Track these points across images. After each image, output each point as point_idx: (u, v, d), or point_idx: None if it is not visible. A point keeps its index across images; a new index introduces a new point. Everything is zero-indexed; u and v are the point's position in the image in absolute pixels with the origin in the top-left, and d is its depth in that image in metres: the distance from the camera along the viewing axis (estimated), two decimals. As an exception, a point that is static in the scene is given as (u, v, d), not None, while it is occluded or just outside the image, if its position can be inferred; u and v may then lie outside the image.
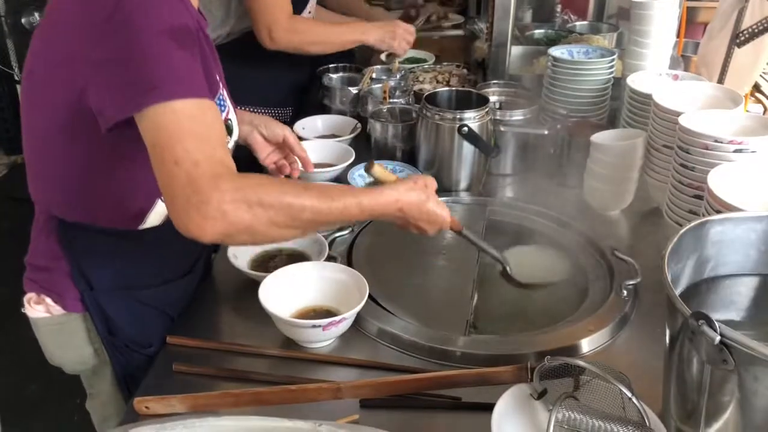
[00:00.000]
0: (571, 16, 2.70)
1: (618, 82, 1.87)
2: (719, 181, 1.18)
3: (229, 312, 1.32)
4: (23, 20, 4.04)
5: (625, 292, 1.28)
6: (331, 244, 1.40)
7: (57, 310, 1.25)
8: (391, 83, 2.08)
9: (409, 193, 1.15)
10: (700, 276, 1.01)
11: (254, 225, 0.95)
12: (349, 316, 1.17)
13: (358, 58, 2.48)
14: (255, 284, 1.21)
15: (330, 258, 1.36)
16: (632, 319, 1.26)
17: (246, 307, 1.27)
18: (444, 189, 1.62)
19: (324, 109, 2.12)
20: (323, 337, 1.18)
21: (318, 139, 1.93)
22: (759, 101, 2.64)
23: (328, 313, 1.22)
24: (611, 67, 1.86)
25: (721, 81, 2.12)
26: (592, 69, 1.84)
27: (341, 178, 1.71)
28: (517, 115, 1.78)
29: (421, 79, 2.28)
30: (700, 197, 1.27)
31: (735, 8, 2.08)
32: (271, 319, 1.16)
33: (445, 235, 1.53)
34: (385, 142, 1.83)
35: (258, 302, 1.16)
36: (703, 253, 1.00)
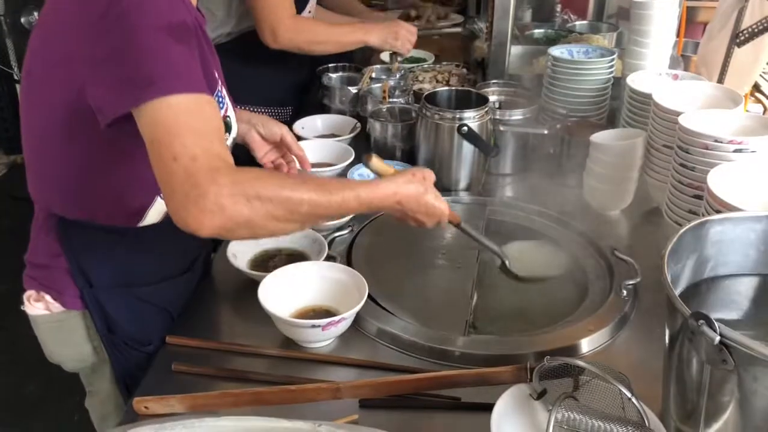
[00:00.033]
0: (571, 15, 2.70)
1: (618, 82, 1.87)
2: (719, 181, 1.18)
3: (229, 312, 1.32)
4: (22, 20, 4.04)
5: (624, 292, 1.28)
6: (330, 243, 1.40)
7: (56, 307, 1.25)
8: (391, 83, 2.08)
9: (407, 186, 1.15)
10: (700, 276, 1.01)
11: (253, 219, 0.95)
12: (348, 316, 1.17)
13: (357, 58, 2.48)
14: (254, 284, 1.21)
15: (329, 258, 1.36)
16: (632, 319, 1.26)
17: (245, 307, 1.27)
18: (443, 189, 1.61)
19: (323, 109, 2.12)
20: (322, 337, 1.18)
21: (317, 138, 1.93)
22: (759, 101, 2.64)
23: (327, 313, 1.22)
24: (611, 66, 1.86)
25: (720, 81, 2.13)
26: (591, 69, 1.84)
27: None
28: (517, 115, 1.78)
29: (420, 78, 2.28)
30: (699, 197, 1.27)
31: (735, 8, 2.08)
32: (270, 318, 1.16)
33: (445, 235, 1.54)
34: (385, 141, 1.83)
35: (257, 302, 1.16)
36: (702, 253, 1.00)
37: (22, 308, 1.28)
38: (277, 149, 1.55)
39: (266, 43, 1.94)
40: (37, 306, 1.26)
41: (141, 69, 0.95)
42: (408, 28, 2.21)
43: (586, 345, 1.18)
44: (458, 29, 3.06)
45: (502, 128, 1.75)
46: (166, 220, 1.22)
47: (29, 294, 1.27)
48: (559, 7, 2.76)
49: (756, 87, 2.62)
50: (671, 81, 1.68)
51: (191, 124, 0.95)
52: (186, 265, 1.34)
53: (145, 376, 1.14)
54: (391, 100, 1.99)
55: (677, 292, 0.87)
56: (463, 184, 1.69)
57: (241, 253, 1.36)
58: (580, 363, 0.94)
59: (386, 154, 1.80)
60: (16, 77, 4.17)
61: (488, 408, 0.94)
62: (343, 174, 1.71)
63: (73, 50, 1.02)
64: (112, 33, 0.97)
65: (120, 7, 0.96)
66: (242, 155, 1.43)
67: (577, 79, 1.83)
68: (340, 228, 1.48)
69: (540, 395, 0.92)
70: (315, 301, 1.24)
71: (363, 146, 1.86)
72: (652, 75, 1.70)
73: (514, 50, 2.17)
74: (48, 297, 1.24)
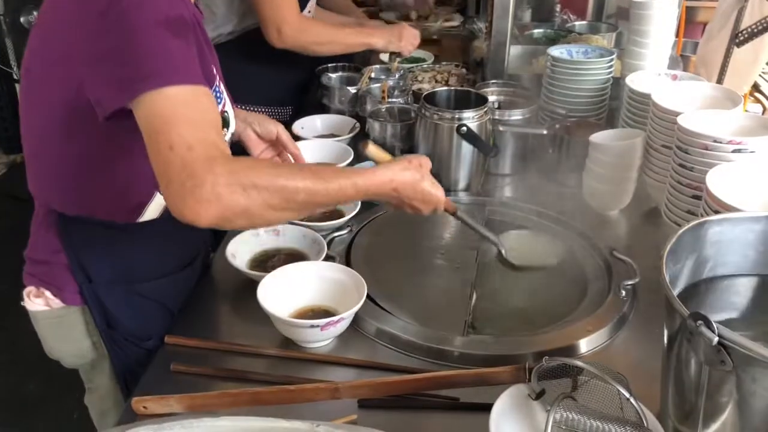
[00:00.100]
0: (570, 15, 2.70)
1: (617, 82, 1.87)
2: (718, 182, 1.18)
3: (228, 312, 1.32)
4: (22, 19, 4.04)
5: (623, 293, 1.28)
6: (329, 243, 1.40)
7: (56, 303, 1.25)
8: (390, 83, 2.08)
9: (403, 173, 1.15)
10: (699, 276, 1.01)
11: (250, 208, 0.95)
12: (347, 316, 1.17)
13: (357, 58, 2.48)
14: (253, 284, 1.21)
15: (328, 258, 1.36)
16: (630, 319, 1.26)
17: (244, 307, 1.27)
18: (443, 189, 1.62)
19: (323, 109, 2.12)
20: (321, 337, 1.18)
21: (317, 138, 1.93)
22: (758, 101, 2.64)
23: (326, 313, 1.22)
24: (610, 66, 1.86)
25: (720, 81, 2.13)
26: (591, 69, 1.84)
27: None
28: (516, 115, 1.78)
29: (419, 78, 2.28)
30: (698, 197, 1.27)
31: (734, 8, 2.09)
32: (269, 318, 1.16)
33: (444, 236, 1.54)
34: (384, 141, 1.83)
35: (256, 302, 1.16)
36: (701, 253, 1.00)
37: (21, 304, 1.28)
38: (272, 147, 1.56)
39: (271, 42, 1.94)
40: (37, 302, 1.26)
41: (139, 62, 0.96)
42: (411, 32, 2.22)
43: (585, 345, 1.18)
44: (454, 21, 3.06)
45: (501, 128, 1.75)
46: (166, 216, 1.23)
47: (29, 290, 1.27)
48: (558, 7, 2.75)
49: (755, 87, 2.62)
50: (670, 81, 1.68)
51: (188, 114, 0.95)
52: (185, 261, 1.35)
53: (144, 375, 1.14)
54: (390, 100, 1.99)
55: (676, 292, 0.87)
56: (462, 184, 1.69)
57: (240, 253, 1.36)
58: (579, 363, 0.94)
59: (385, 154, 1.81)
60: (15, 77, 4.17)
61: (487, 408, 0.94)
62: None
63: (72, 48, 1.03)
64: (112, 31, 0.98)
65: (120, 6, 0.97)
66: (238, 153, 1.43)
67: (576, 80, 1.83)
68: (339, 228, 1.48)
69: (538, 395, 0.92)
70: (314, 301, 1.24)
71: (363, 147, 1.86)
72: (652, 75, 1.70)
73: (514, 50, 2.17)
74: (48, 293, 1.25)
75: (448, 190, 1.67)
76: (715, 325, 0.75)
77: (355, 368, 1.15)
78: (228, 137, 1.29)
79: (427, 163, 1.21)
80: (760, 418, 0.79)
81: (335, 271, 1.27)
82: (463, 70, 2.35)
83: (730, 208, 1.10)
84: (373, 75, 2.19)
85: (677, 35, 2.31)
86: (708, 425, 0.83)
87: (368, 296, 1.21)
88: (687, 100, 1.49)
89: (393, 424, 0.93)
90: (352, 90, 2.11)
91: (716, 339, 0.75)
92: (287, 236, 1.42)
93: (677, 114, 1.36)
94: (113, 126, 1.03)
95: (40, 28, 1.12)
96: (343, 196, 1.07)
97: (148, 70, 0.95)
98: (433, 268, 1.43)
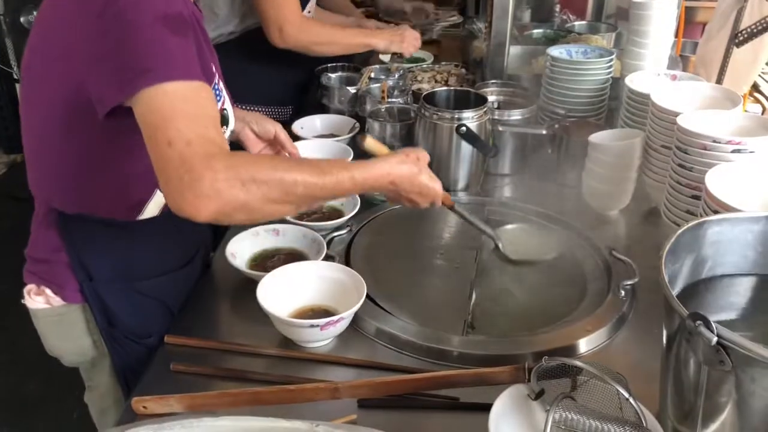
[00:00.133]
0: (570, 15, 2.70)
1: (616, 82, 1.88)
2: (717, 182, 1.18)
3: (228, 311, 1.32)
4: (22, 19, 4.04)
5: (622, 293, 1.28)
6: (329, 243, 1.40)
7: (57, 301, 1.26)
8: (390, 83, 2.08)
9: (400, 166, 1.16)
10: (698, 276, 1.01)
11: (249, 202, 0.95)
12: (347, 316, 1.17)
13: (356, 58, 2.49)
14: (253, 284, 1.21)
15: (328, 257, 1.36)
16: (630, 319, 1.26)
17: (244, 307, 1.27)
18: (442, 188, 1.62)
19: (322, 109, 2.12)
20: (321, 337, 1.18)
21: (316, 138, 1.93)
22: (757, 101, 2.64)
23: (326, 312, 1.22)
24: (610, 67, 1.86)
25: (719, 81, 2.13)
26: (590, 69, 1.84)
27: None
28: (516, 115, 1.78)
29: (419, 78, 2.28)
30: (697, 197, 1.27)
31: (734, 8, 2.09)
32: (269, 318, 1.16)
33: (443, 236, 1.54)
34: (384, 141, 1.82)
35: (256, 302, 1.16)
36: (700, 253, 1.00)
37: (22, 302, 1.28)
38: (270, 147, 1.57)
39: (273, 42, 1.94)
40: (38, 300, 1.27)
41: (137, 59, 0.96)
42: (413, 33, 2.23)
43: (584, 345, 1.18)
44: (453, 17, 3.06)
45: (500, 128, 1.75)
46: (166, 214, 1.24)
47: (29, 288, 1.28)
48: (558, 8, 2.75)
49: (755, 87, 2.62)
50: (670, 81, 1.68)
51: (187, 110, 0.95)
52: (185, 259, 1.35)
53: (144, 375, 1.14)
54: (389, 100, 1.99)
55: (675, 292, 0.87)
56: (461, 184, 1.69)
57: (239, 253, 1.37)
58: (578, 363, 0.94)
59: (385, 154, 1.81)
60: (15, 76, 4.17)
61: (486, 408, 0.94)
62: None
63: (72, 47, 1.04)
64: (110, 30, 0.98)
65: (117, 6, 0.97)
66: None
67: (575, 80, 1.83)
68: (338, 228, 1.48)
69: (538, 395, 0.92)
70: (313, 301, 1.25)
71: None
72: (651, 75, 1.71)
73: (513, 50, 2.17)
74: (48, 291, 1.25)
75: (448, 190, 1.67)
76: (714, 325, 0.75)
77: (354, 368, 1.15)
78: (227, 135, 1.29)
79: (424, 157, 1.22)
80: (759, 418, 0.79)
81: (335, 270, 1.27)
82: (463, 70, 2.35)
83: (729, 209, 1.10)
84: (372, 75, 2.19)
85: (677, 35, 2.31)
86: (707, 425, 0.83)
87: (368, 296, 1.22)
88: (686, 101, 1.49)
89: (393, 423, 0.93)
90: (352, 90, 2.11)
91: (715, 339, 0.75)
92: (287, 236, 1.42)
93: (676, 114, 1.36)
94: (113, 124, 1.04)
95: (40, 25, 1.13)
96: (341, 189, 1.07)
97: (146, 67, 0.96)
98: (432, 268, 1.43)
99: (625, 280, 1.29)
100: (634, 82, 1.67)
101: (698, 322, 0.77)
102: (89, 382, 1.41)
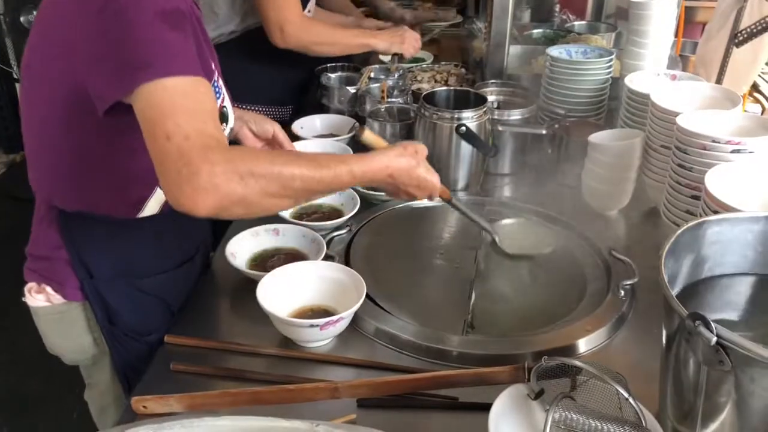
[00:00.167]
0: (570, 15, 2.70)
1: (616, 82, 1.88)
2: (716, 182, 1.18)
3: (227, 311, 1.32)
4: (22, 18, 4.04)
5: (622, 292, 1.28)
6: (329, 243, 1.40)
7: (57, 299, 1.26)
8: (389, 82, 2.08)
9: (398, 159, 1.16)
10: (698, 276, 1.01)
11: (247, 196, 0.95)
12: (346, 316, 1.17)
13: (356, 58, 2.49)
14: (253, 283, 1.21)
15: (328, 257, 1.36)
16: (629, 319, 1.26)
17: (244, 306, 1.27)
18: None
19: (322, 109, 2.12)
20: (321, 337, 1.18)
21: (316, 138, 1.93)
22: (757, 101, 2.64)
23: (325, 312, 1.22)
24: (609, 66, 1.86)
25: (719, 81, 2.13)
26: (590, 69, 1.84)
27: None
28: (515, 115, 1.78)
29: (419, 78, 2.28)
30: (697, 197, 1.27)
31: (734, 8, 2.09)
32: (269, 318, 1.16)
33: (443, 235, 1.54)
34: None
35: (256, 301, 1.16)
36: (700, 253, 1.00)
37: (22, 300, 1.29)
38: (269, 146, 1.58)
39: (273, 42, 1.94)
40: (38, 298, 1.27)
41: (137, 55, 0.97)
42: (413, 35, 2.23)
43: (584, 345, 1.18)
44: (457, 27, 3.06)
45: (500, 128, 1.75)
46: (166, 211, 1.24)
47: (30, 286, 1.28)
48: (557, 7, 2.76)
49: (754, 87, 2.62)
50: (669, 81, 1.68)
51: (185, 105, 0.96)
52: (186, 256, 1.36)
53: (144, 375, 1.14)
54: (389, 99, 1.99)
55: (674, 292, 0.87)
56: (461, 184, 1.70)
57: (239, 253, 1.37)
58: (578, 363, 0.94)
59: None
60: (15, 76, 4.17)
61: (486, 408, 0.94)
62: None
63: (72, 46, 1.04)
64: (110, 29, 0.99)
65: (117, 4, 0.98)
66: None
67: (575, 80, 1.83)
68: (338, 228, 1.48)
69: (537, 395, 0.92)
70: (313, 301, 1.25)
71: (361, 146, 1.85)
72: (651, 75, 1.70)
73: (513, 50, 2.17)
74: (49, 289, 1.26)
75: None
76: (713, 325, 0.75)
77: (354, 368, 1.15)
78: (227, 133, 1.29)
79: (422, 150, 1.22)
80: (759, 418, 0.79)
81: (334, 270, 1.27)
82: (463, 70, 2.35)
83: (728, 209, 1.10)
84: (372, 75, 2.19)
85: (676, 35, 2.31)
86: (706, 425, 0.83)
87: (367, 296, 1.22)
88: (686, 100, 1.49)
89: (392, 423, 0.93)
90: (352, 90, 2.11)
91: (715, 339, 0.75)
92: (287, 236, 1.43)
93: (676, 114, 1.36)
94: (113, 122, 1.04)
95: (40, 24, 1.13)
96: (339, 183, 1.07)
97: (145, 62, 0.96)
98: (432, 268, 1.43)
99: (624, 280, 1.29)
100: (633, 82, 1.67)
101: (698, 322, 0.77)
102: (89, 380, 1.41)
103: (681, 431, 0.89)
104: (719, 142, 1.26)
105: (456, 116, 1.63)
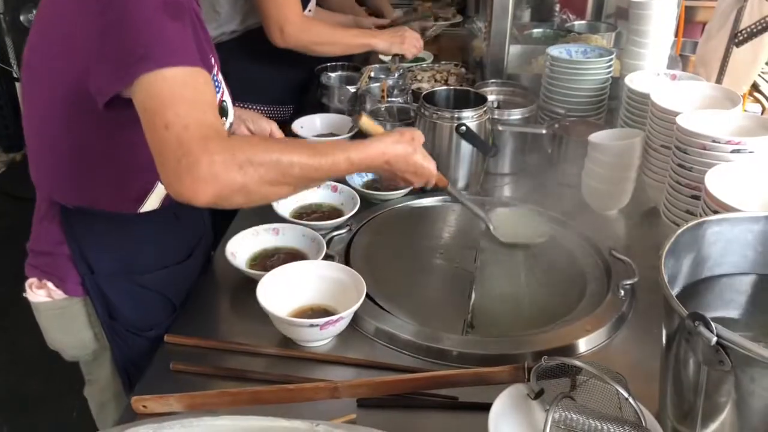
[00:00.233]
0: (570, 15, 2.70)
1: (616, 82, 1.88)
2: (716, 182, 1.18)
3: (227, 311, 1.32)
4: (22, 17, 4.04)
5: (622, 292, 1.28)
6: (329, 243, 1.40)
7: (58, 294, 1.26)
8: (389, 82, 2.08)
9: (395, 146, 1.17)
10: (698, 276, 1.01)
11: (247, 185, 0.95)
12: (346, 316, 1.17)
13: (356, 57, 2.48)
14: (253, 283, 1.21)
15: (328, 257, 1.36)
16: (629, 319, 1.26)
17: (244, 306, 1.27)
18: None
19: (322, 108, 2.12)
20: (321, 336, 1.18)
21: (316, 137, 1.93)
22: (757, 101, 2.64)
23: (325, 312, 1.22)
24: (609, 66, 1.86)
25: (719, 81, 2.12)
26: (590, 68, 1.84)
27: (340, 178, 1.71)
28: (516, 115, 1.78)
29: (419, 77, 2.28)
30: (697, 197, 1.27)
31: (734, 8, 2.08)
32: (268, 317, 1.16)
33: (443, 235, 1.54)
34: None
35: (256, 301, 1.16)
36: (700, 253, 1.00)
37: (23, 295, 1.29)
38: None
39: (274, 42, 1.94)
40: (39, 293, 1.27)
41: (137, 47, 0.97)
42: (414, 35, 2.23)
43: (584, 345, 1.18)
44: (457, 26, 3.06)
45: (500, 128, 1.75)
46: (166, 206, 1.24)
47: (31, 281, 1.28)
48: (557, 7, 2.76)
49: (754, 87, 2.62)
50: (669, 81, 1.68)
51: (185, 95, 0.96)
52: (186, 252, 1.36)
53: (144, 371, 1.15)
54: (389, 99, 1.99)
55: (674, 292, 0.87)
56: (461, 183, 1.69)
57: (239, 252, 1.37)
58: (578, 363, 0.94)
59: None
60: (15, 75, 4.17)
61: (486, 408, 0.94)
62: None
63: (72, 44, 1.04)
64: (111, 23, 0.99)
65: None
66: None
67: (575, 79, 1.83)
68: (338, 227, 1.48)
69: (537, 395, 0.92)
70: (313, 301, 1.25)
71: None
72: (651, 75, 1.71)
73: (513, 50, 2.17)
74: (50, 284, 1.26)
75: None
76: (713, 325, 0.75)
77: (354, 367, 1.15)
78: (226, 127, 1.29)
79: (419, 137, 1.23)
80: (759, 418, 0.79)
81: (334, 270, 1.27)
82: (463, 70, 2.35)
83: (728, 208, 1.10)
84: (372, 74, 2.19)
85: (676, 35, 2.31)
86: (706, 425, 0.83)
87: (367, 295, 1.22)
88: (686, 100, 1.49)
89: (392, 423, 0.93)
90: (352, 89, 2.11)
91: (715, 339, 0.75)
92: (287, 235, 1.43)
93: (676, 114, 1.36)
94: (112, 116, 1.04)
95: (40, 23, 1.13)
96: (337, 170, 1.08)
97: (145, 53, 0.96)
98: (432, 268, 1.43)
99: (624, 280, 1.29)
100: (633, 81, 1.67)
101: (697, 321, 0.77)
102: (89, 376, 1.41)
103: (681, 431, 0.89)
104: (719, 142, 1.26)
105: (456, 116, 1.63)
